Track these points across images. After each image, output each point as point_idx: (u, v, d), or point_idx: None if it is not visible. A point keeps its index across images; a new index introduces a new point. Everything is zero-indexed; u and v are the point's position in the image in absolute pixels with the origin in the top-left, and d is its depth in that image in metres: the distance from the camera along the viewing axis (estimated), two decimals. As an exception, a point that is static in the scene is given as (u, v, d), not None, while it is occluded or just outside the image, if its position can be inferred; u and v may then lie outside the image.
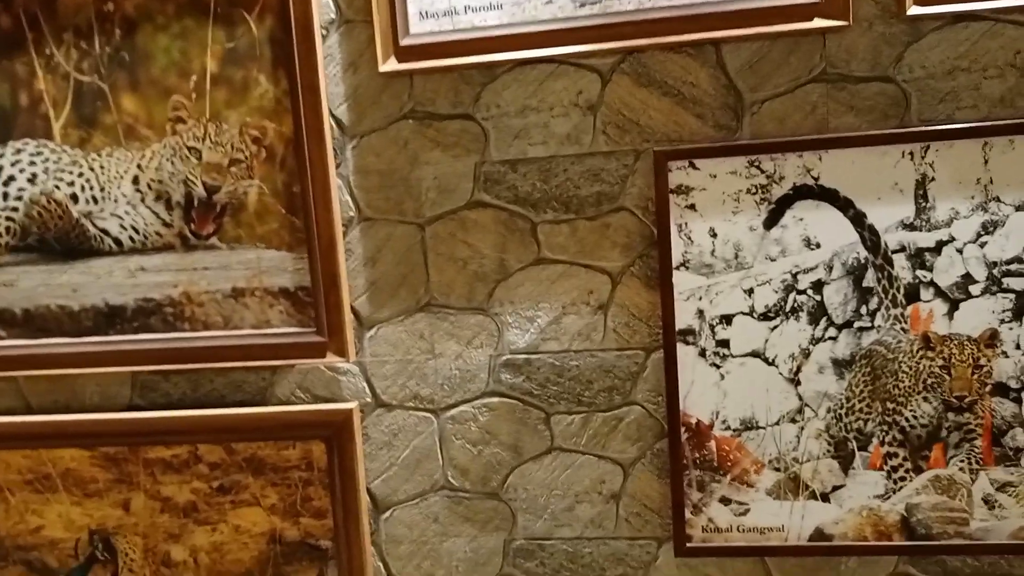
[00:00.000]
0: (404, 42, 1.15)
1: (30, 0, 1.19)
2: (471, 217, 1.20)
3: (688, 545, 1.18)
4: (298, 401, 1.26)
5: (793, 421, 1.15)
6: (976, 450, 1.12)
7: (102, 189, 1.23)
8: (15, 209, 1.24)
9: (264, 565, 1.26)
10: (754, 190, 1.12)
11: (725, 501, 1.18)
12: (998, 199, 1.07)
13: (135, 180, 1.22)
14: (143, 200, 1.23)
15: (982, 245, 1.08)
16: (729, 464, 1.17)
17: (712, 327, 1.15)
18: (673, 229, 1.14)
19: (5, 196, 1.24)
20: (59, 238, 1.24)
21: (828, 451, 1.14)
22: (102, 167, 1.22)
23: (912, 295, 1.10)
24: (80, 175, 1.22)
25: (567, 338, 1.20)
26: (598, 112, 1.15)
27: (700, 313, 1.15)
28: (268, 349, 1.23)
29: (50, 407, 1.30)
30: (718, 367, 1.16)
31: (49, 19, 1.20)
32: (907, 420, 1.13)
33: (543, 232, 1.19)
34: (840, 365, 1.13)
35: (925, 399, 1.12)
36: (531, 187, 1.18)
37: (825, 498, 1.15)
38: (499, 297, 1.21)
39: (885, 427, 1.13)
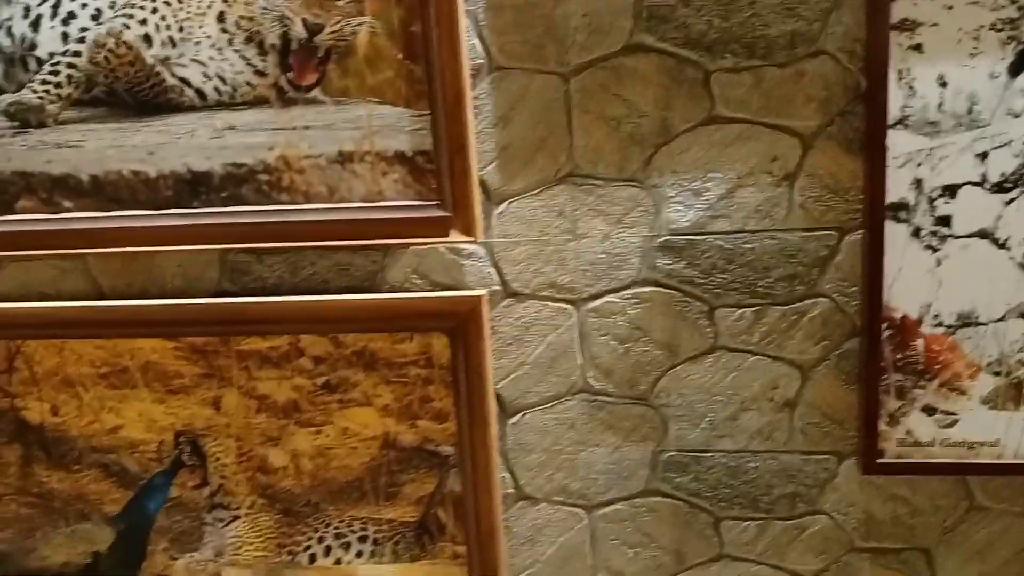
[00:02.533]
0: None
1: None
2: (628, 64, 0.98)
3: (879, 461, 1.00)
4: (413, 288, 1.08)
5: (1022, 316, 0.96)
6: None
7: (180, 29, 1.02)
8: (77, 54, 1.04)
9: (375, 472, 1.11)
10: (1000, 25, 0.89)
11: (929, 411, 0.99)
12: None
13: (220, 17, 1.00)
14: (230, 42, 1.02)
15: None
16: (937, 367, 0.98)
17: (932, 201, 0.93)
18: (891, 77, 0.92)
19: (65, 37, 1.04)
20: (131, 89, 1.04)
21: (1061, 354, 0.95)
22: (180, 1, 1.02)
23: None
24: (154, 11, 1.01)
25: (741, 216, 1.00)
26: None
27: (917, 184, 0.94)
28: (381, 225, 1.04)
29: (124, 291, 1.13)
30: (935, 250, 0.95)
31: None
32: None
33: (718, 83, 0.97)
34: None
35: None
36: (706, 25, 0.95)
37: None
38: (659, 165, 1.00)
39: None
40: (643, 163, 1.00)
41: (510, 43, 0.99)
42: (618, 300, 1.04)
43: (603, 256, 1.03)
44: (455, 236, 1.02)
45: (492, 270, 1.06)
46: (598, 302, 1.05)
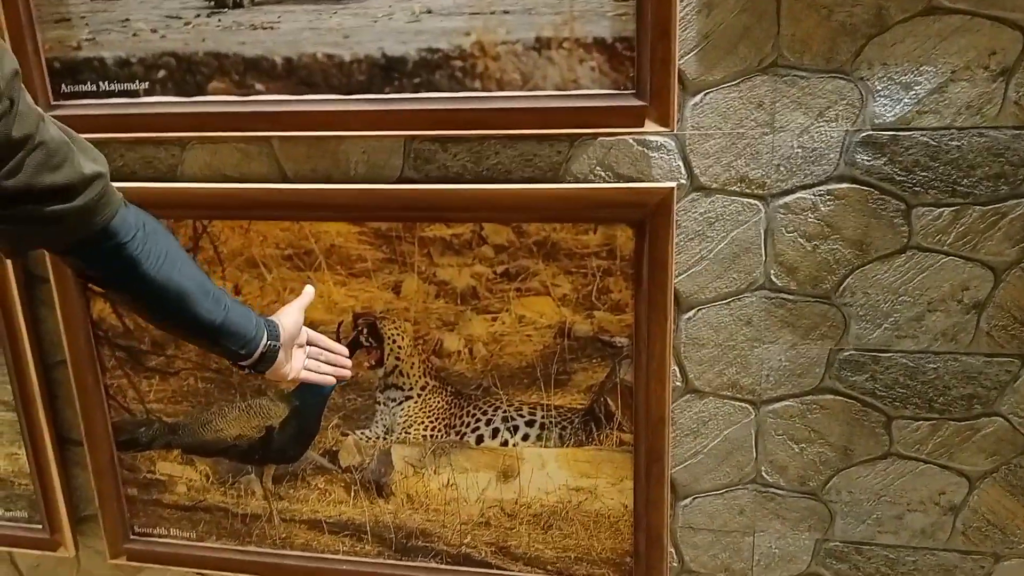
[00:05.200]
0: None
1: None
2: (846, -50, 0.96)
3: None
4: (597, 179, 1.09)
5: None
6: None
7: (383, -95, 1.02)
8: (277, -69, 1.05)
9: (548, 360, 1.14)
10: None
11: None
12: None
13: None
14: (433, -80, 1.02)
15: None
16: None
17: None
18: None
19: (265, -86, 1.05)
20: (329, -31, 1.06)
21: None
22: None
23: None
24: None
25: (951, 112, 0.97)
26: None
27: None
28: (574, 114, 1.04)
29: (308, 176, 1.16)
30: None
31: None
32: None
33: (942, -29, 0.94)
34: None
35: None
36: (936, -92, 0.92)
37: None
38: (868, 56, 0.97)
39: None
40: (853, 54, 0.97)
41: (721, -75, 0.97)
42: (810, 196, 1.03)
43: (799, 151, 1.02)
44: (649, 126, 1.02)
45: (680, 163, 1.05)
46: (789, 198, 1.04)
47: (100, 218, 0.75)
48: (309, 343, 1.01)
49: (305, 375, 1.00)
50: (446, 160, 1.12)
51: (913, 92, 0.97)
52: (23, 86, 0.68)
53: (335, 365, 1.04)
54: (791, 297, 1.07)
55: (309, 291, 1.03)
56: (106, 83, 1.15)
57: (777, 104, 1.01)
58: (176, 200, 1.16)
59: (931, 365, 1.06)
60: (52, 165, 0.69)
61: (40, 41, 1.14)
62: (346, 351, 1.05)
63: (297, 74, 1.09)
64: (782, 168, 1.03)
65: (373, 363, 1.20)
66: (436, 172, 1.12)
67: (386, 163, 1.13)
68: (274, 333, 0.92)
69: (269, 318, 0.95)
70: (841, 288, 1.05)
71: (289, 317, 0.97)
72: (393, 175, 1.14)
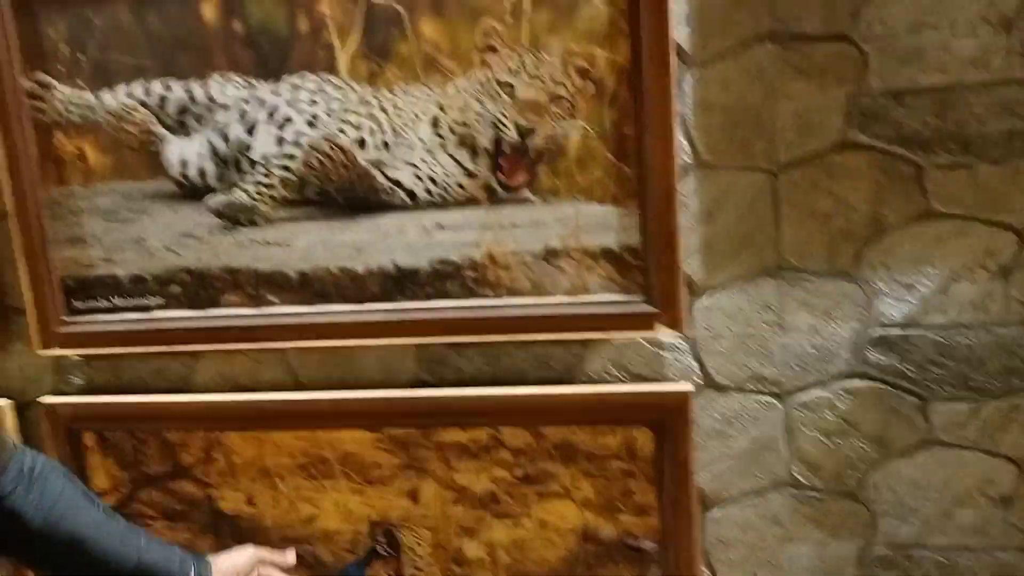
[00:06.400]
0: (776, -55, 0.95)
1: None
2: (839, 161, 0.99)
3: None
4: (612, 379, 1.09)
5: None
6: None
7: (395, 133, 1.06)
8: (292, 156, 1.08)
9: (573, 565, 1.10)
10: None
11: None
12: None
13: (434, 122, 1.04)
14: (443, 146, 1.05)
15: None
16: None
17: None
18: (1121, 174, 0.92)
19: (281, 141, 1.09)
20: (342, 190, 1.08)
21: None
22: (395, 107, 1.05)
23: None
24: (369, 116, 1.05)
25: (955, 310, 0.99)
26: (1014, 28, 0.92)
27: None
28: (585, 320, 1.06)
29: (322, 382, 1.15)
30: None
31: (337, -69, 1.03)
32: None
33: (932, 180, 0.97)
34: None
35: None
36: (921, 124, 0.96)
37: None
38: (870, 260, 1.00)
39: None
40: (853, 257, 1.00)
41: (718, 141, 1.01)
42: (827, 393, 1.03)
43: (812, 349, 1.03)
44: (661, 330, 1.03)
45: (694, 362, 1.06)
46: (806, 396, 1.04)
47: None
48: None
49: None
50: (460, 363, 1.12)
51: (917, 292, 0.99)
52: None
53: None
54: (817, 495, 1.05)
55: (286, 558, 0.98)
56: (120, 299, 1.16)
57: (784, 305, 1.03)
58: (188, 413, 1.15)
59: (963, 561, 1.03)
60: None
61: (54, 261, 1.17)
62: (293, 557, 1.00)
63: (311, 286, 1.11)
64: (795, 366, 1.04)
65: (391, 573, 1.15)
66: (450, 375, 1.13)
67: (400, 367, 1.13)
68: (204, 573, 0.86)
69: (202, 555, 0.89)
70: (865, 484, 1.04)
71: (228, 560, 0.91)
72: (408, 379, 1.14)
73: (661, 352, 1.07)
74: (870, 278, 1.00)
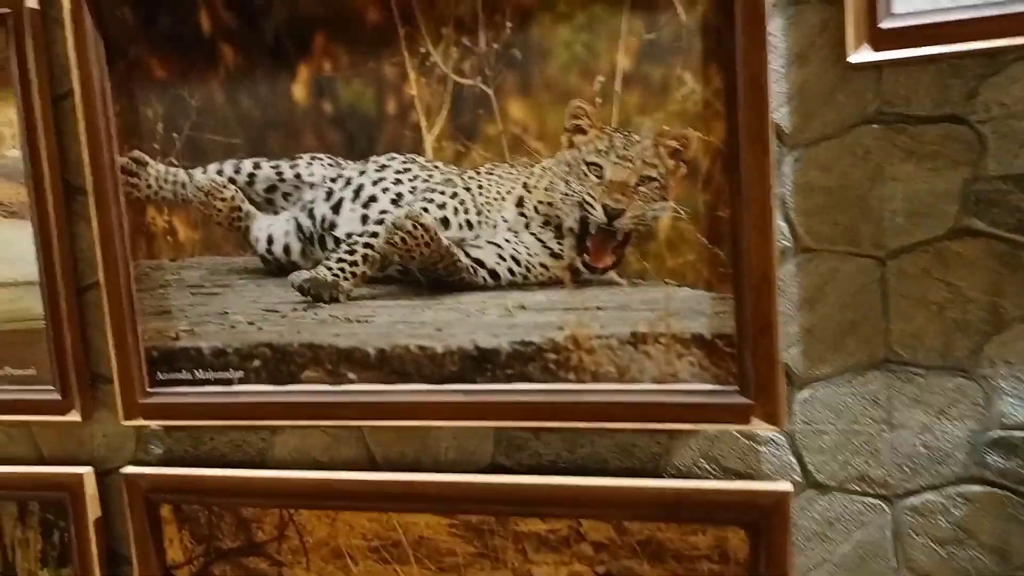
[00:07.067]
0: (884, 24, 0.91)
1: (405, -8, 1.03)
2: (953, 249, 0.92)
3: None
4: (701, 473, 1.03)
5: None
6: None
7: (479, 213, 1.05)
8: (375, 235, 1.08)
9: (656, 673, 1.05)
10: None
11: None
12: None
13: (519, 202, 1.03)
14: (527, 226, 1.03)
15: None
16: None
17: None
18: None
19: (364, 219, 1.09)
20: (424, 269, 1.07)
21: None
22: (480, 187, 1.04)
23: None
24: (454, 196, 1.05)
25: (1089, 412, 0.92)
26: None
27: None
28: (673, 409, 1.00)
29: (396, 461, 1.13)
30: None
31: (426, 11, 1.03)
32: None
33: (1060, 270, 0.91)
34: None
35: None
36: (1046, 210, 0.91)
37: None
38: (989, 354, 0.92)
39: None
40: (970, 351, 0.93)
41: (820, 226, 0.95)
42: (940, 498, 0.95)
43: (924, 449, 0.95)
44: (757, 423, 0.97)
45: (793, 459, 0.99)
46: (917, 499, 0.96)
47: None
48: None
49: None
50: (539, 448, 1.08)
51: (1045, 391, 0.92)
52: None
53: None
54: (929, 608, 0.97)
55: None
56: (201, 371, 1.17)
57: (894, 400, 0.96)
58: (264, 489, 1.14)
59: None
60: None
61: (140, 332, 1.19)
62: None
63: (389, 364, 1.09)
64: (905, 467, 0.96)
65: (461, 665, 1.11)
66: (528, 460, 1.08)
67: (476, 450, 1.10)
68: None
69: None
70: (986, 601, 0.95)
71: None
72: (484, 462, 1.10)
73: (757, 446, 1.01)
74: (989, 374, 0.92)
